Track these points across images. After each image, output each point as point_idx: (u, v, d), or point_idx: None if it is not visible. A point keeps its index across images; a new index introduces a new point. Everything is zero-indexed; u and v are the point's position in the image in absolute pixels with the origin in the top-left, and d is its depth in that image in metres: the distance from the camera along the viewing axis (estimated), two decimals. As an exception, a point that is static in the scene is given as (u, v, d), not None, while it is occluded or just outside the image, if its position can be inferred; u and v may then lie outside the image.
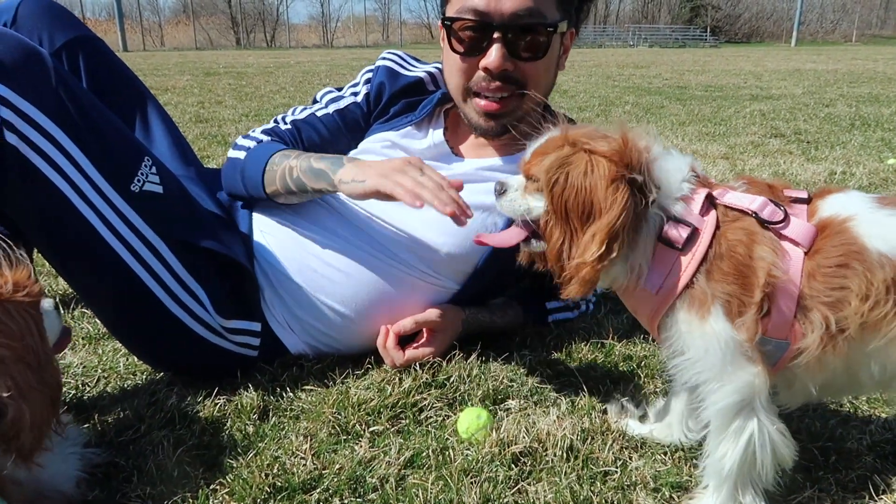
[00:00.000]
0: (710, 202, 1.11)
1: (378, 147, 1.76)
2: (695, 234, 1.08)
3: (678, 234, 1.08)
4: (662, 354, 1.16)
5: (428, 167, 1.43)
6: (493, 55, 1.55)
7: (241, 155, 1.70)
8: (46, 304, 1.19)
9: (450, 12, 1.60)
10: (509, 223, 1.63)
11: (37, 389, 1.03)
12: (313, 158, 1.56)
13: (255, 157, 1.65)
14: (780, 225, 1.06)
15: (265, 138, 1.73)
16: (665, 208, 1.10)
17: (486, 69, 1.57)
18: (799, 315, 1.04)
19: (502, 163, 1.71)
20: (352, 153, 1.81)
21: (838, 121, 6.07)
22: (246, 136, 1.77)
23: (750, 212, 1.07)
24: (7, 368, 0.99)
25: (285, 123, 1.80)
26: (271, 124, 1.81)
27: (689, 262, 1.07)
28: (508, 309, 1.82)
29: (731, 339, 1.04)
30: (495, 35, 1.54)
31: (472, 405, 1.48)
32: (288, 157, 1.60)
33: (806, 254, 1.05)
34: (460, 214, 1.34)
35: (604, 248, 1.05)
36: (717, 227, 1.08)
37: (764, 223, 1.07)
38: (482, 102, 1.62)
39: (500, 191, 1.24)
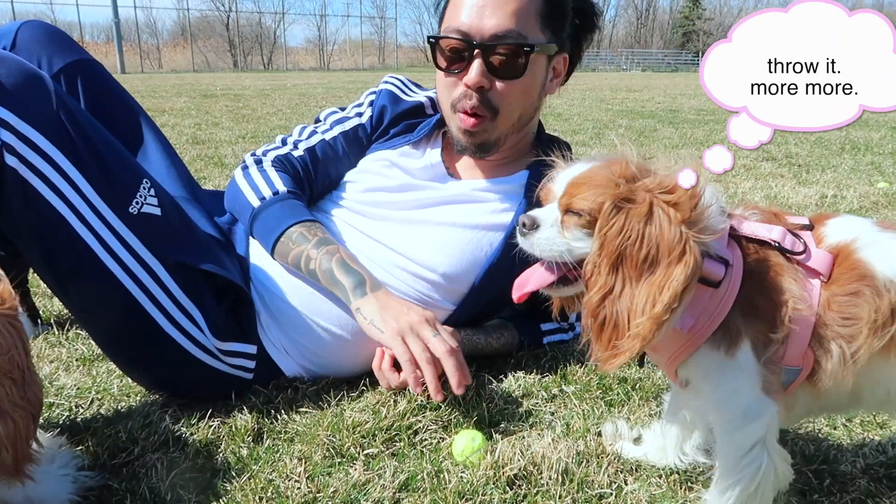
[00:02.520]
0: (729, 234, 1.07)
1: (377, 167, 1.79)
2: (727, 269, 1.03)
3: (715, 271, 1.02)
4: (659, 384, 1.15)
5: (442, 327, 1.48)
6: (472, 72, 1.60)
7: (255, 200, 1.67)
8: None
9: (441, 30, 1.66)
10: (504, 246, 1.65)
11: (20, 406, 1.01)
12: (335, 262, 1.55)
13: (271, 218, 1.63)
14: (803, 256, 1.04)
15: (280, 186, 1.67)
16: (707, 245, 1.02)
17: (465, 85, 1.62)
18: (814, 343, 1.03)
19: (495, 184, 1.74)
20: (351, 172, 1.83)
21: (828, 145, 6.15)
22: (259, 166, 1.73)
23: (773, 242, 1.05)
24: None
25: (296, 148, 1.80)
26: (281, 147, 1.81)
27: (724, 298, 1.02)
28: (503, 331, 1.82)
29: (760, 376, 1.02)
30: (475, 52, 1.59)
31: (467, 428, 1.48)
32: (307, 239, 1.58)
33: (824, 283, 1.03)
34: (457, 387, 1.42)
35: (669, 306, 0.95)
36: (743, 259, 1.05)
37: (786, 254, 1.04)
38: (462, 117, 1.67)
39: (532, 226, 1.08)
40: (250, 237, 1.75)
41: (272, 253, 1.63)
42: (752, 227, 1.07)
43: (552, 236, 1.07)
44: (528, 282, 1.13)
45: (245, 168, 1.75)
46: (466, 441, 1.38)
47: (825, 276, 1.03)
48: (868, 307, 1.00)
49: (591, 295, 1.02)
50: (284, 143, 1.83)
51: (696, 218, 0.99)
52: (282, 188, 1.68)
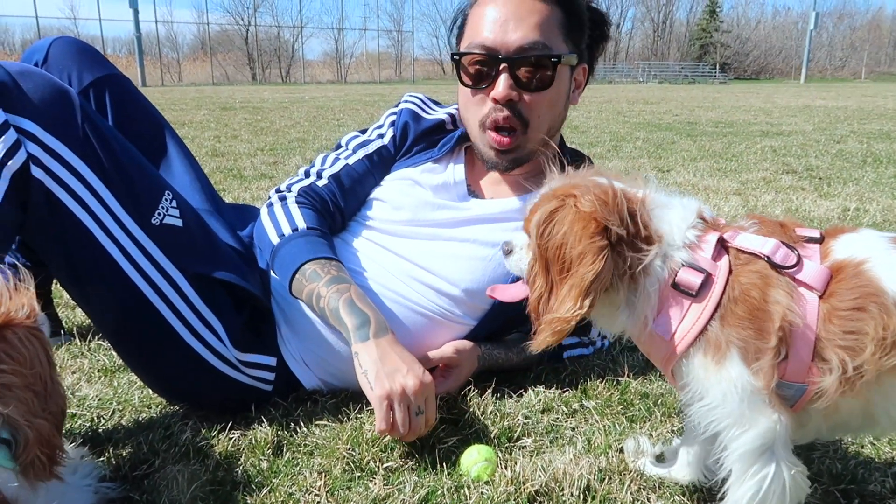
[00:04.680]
0: (721, 245, 1.09)
1: (400, 185, 1.78)
2: (708, 279, 1.06)
3: (691, 280, 1.06)
4: (680, 399, 1.15)
5: (431, 401, 1.42)
6: (500, 86, 1.59)
7: (275, 237, 1.64)
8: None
9: (461, 48, 1.66)
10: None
11: (42, 417, 1.02)
12: (343, 301, 1.50)
13: (288, 255, 1.60)
14: (794, 269, 1.04)
15: (301, 223, 1.64)
16: (669, 257, 1.09)
17: (493, 99, 1.62)
18: (816, 358, 1.02)
19: (519, 203, 1.73)
20: (375, 191, 1.83)
21: (850, 157, 6.08)
22: (283, 203, 1.70)
23: (762, 256, 1.06)
24: (20, 395, 0.99)
25: (320, 178, 1.78)
26: (305, 179, 1.78)
27: (703, 308, 1.05)
28: (523, 345, 1.81)
29: (749, 384, 1.02)
30: (502, 66, 1.58)
31: (486, 443, 1.47)
32: (320, 276, 1.54)
33: (820, 297, 1.03)
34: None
35: (578, 303, 1.06)
36: (730, 271, 1.06)
37: (777, 267, 1.05)
38: (494, 136, 1.66)
39: (507, 250, 1.25)
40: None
41: (290, 290, 1.59)
42: (746, 239, 1.09)
43: (521, 257, 1.21)
44: (504, 292, 1.33)
45: (270, 206, 1.72)
46: (471, 455, 1.37)
47: (819, 290, 1.03)
48: (874, 323, 0.99)
49: (532, 296, 1.15)
50: (308, 174, 1.81)
51: (618, 219, 1.07)
52: (302, 224, 1.64)
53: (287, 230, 1.64)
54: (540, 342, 1.13)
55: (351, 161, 1.82)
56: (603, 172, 1.17)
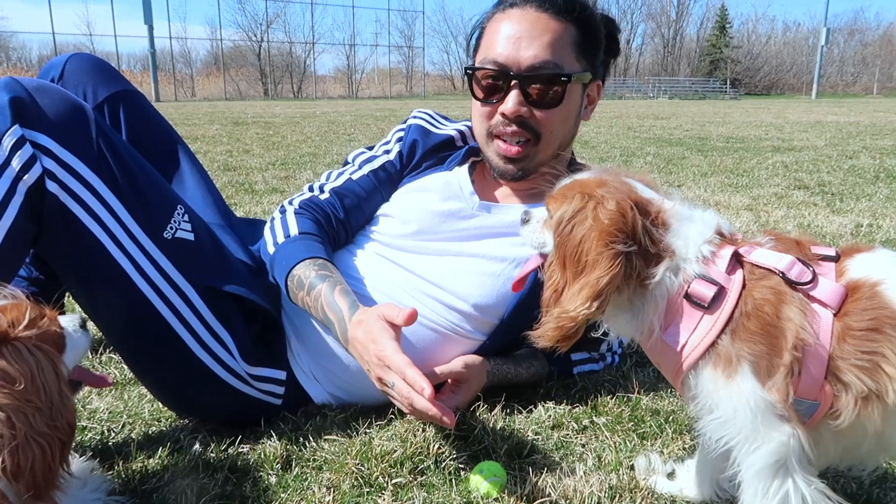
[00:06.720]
0: (736, 260, 1.09)
1: (408, 197, 1.79)
2: (721, 292, 1.06)
3: (704, 292, 1.06)
4: (690, 411, 1.14)
5: (393, 365, 1.33)
6: (509, 102, 1.61)
7: (271, 246, 1.67)
8: (70, 323, 1.17)
9: (476, 62, 1.68)
10: (535, 279, 1.63)
11: (45, 434, 0.98)
12: (323, 299, 1.50)
13: (283, 258, 1.61)
14: (809, 286, 1.04)
15: (294, 230, 1.66)
16: (681, 269, 1.09)
17: (503, 114, 1.63)
18: (830, 377, 1.01)
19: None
20: (384, 206, 1.83)
21: (862, 173, 6.04)
22: (283, 215, 1.72)
23: (777, 271, 1.06)
24: (5, 417, 0.93)
25: (322, 192, 1.80)
26: (307, 193, 1.80)
27: (714, 321, 1.05)
28: (533, 360, 1.80)
29: (762, 399, 1.02)
30: (513, 83, 1.60)
31: (495, 459, 1.46)
32: (310, 272, 1.55)
33: (835, 315, 1.02)
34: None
35: (587, 304, 1.06)
36: (744, 285, 1.06)
37: (791, 283, 1.05)
38: (502, 146, 1.68)
39: (525, 219, 1.27)
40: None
41: (287, 293, 1.59)
42: (761, 255, 1.09)
43: (535, 230, 1.24)
44: (522, 270, 1.34)
45: (272, 220, 1.75)
46: (480, 471, 1.36)
47: (833, 308, 1.02)
48: (891, 345, 0.98)
49: (547, 286, 1.15)
50: (312, 189, 1.83)
51: (634, 230, 1.07)
52: (295, 231, 1.66)
53: (282, 238, 1.67)
54: (542, 334, 1.13)
55: (355, 176, 1.84)
56: (639, 176, 1.19)
